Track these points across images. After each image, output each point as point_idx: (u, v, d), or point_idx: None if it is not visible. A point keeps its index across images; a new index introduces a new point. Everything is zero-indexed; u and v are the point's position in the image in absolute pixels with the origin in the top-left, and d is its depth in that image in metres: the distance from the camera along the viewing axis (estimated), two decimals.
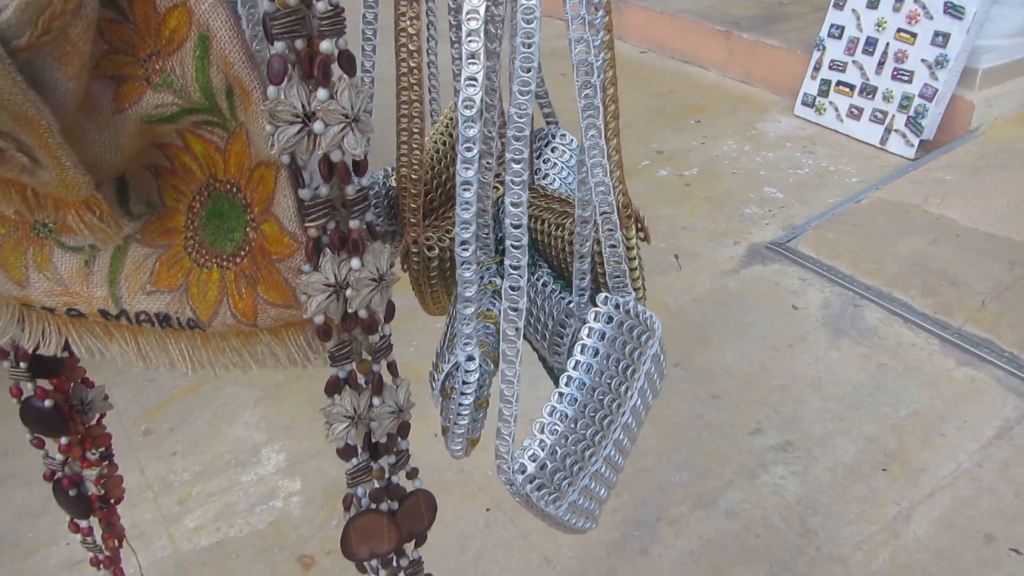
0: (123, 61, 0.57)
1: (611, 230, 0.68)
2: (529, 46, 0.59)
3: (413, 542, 0.80)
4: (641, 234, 0.77)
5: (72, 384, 0.91)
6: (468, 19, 0.60)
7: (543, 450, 0.67)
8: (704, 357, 2.33)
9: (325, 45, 0.54)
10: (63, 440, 0.90)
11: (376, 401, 0.69)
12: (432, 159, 0.92)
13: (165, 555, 1.90)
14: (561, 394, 0.69)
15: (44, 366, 0.86)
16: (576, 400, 0.69)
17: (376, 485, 0.73)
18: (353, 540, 0.74)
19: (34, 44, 0.50)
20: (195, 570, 1.86)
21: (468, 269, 0.66)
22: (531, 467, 0.67)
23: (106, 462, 0.97)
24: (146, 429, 2.27)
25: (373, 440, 0.70)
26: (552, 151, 0.96)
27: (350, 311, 0.63)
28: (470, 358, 0.71)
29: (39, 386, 0.86)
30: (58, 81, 0.53)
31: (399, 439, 0.73)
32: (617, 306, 0.71)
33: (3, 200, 0.63)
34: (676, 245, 2.83)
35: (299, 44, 0.54)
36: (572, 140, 0.96)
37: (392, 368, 0.70)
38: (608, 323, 0.71)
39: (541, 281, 0.80)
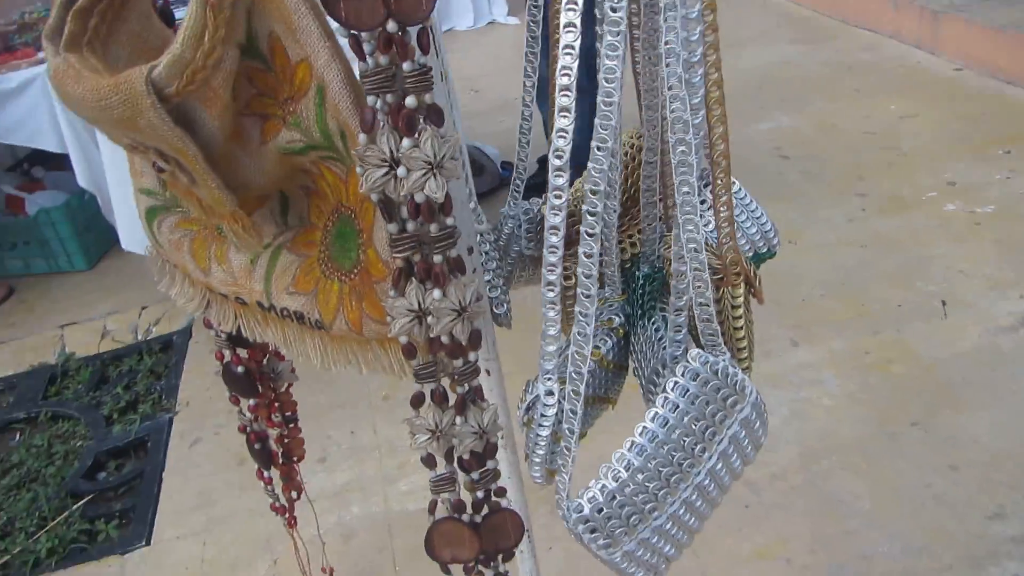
0: (267, 103, 0.68)
1: (701, 287, 0.67)
2: (611, 81, 0.60)
3: (501, 556, 0.85)
4: (752, 293, 0.74)
5: (266, 355, 1.08)
6: (564, 52, 0.63)
7: (602, 494, 0.68)
8: (950, 421, 2.07)
9: (409, 100, 0.60)
10: (252, 401, 1.06)
11: (459, 420, 0.74)
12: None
13: (377, 511, 2.12)
14: (633, 442, 0.69)
15: (241, 337, 1.03)
16: (645, 451, 0.69)
17: (458, 496, 0.78)
18: (436, 543, 0.80)
19: (181, 92, 0.62)
20: (399, 530, 2.06)
21: (552, 309, 0.69)
22: (587, 508, 0.68)
23: (291, 425, 1.14)
24: (386, 395, 2.54)
25: (456, 455, 0.76)
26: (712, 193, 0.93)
27: (431, 336, 0.69)
28: (549, 392, 0.74)
29: (236, 354, 1.03)
30: (204, 120, 0.65)
31: (485, 459, 0.78)
32: (706, 363, 0.69)
33: (189, 205, 0.78)
34: (946, 290, 2.53)
35: (390, 98, 0.61)
36: (738, 187, 0.93)
37: (477, 392, 0.74)
38: (694, 380, 0.69)
39: (655, 327, 0.80)
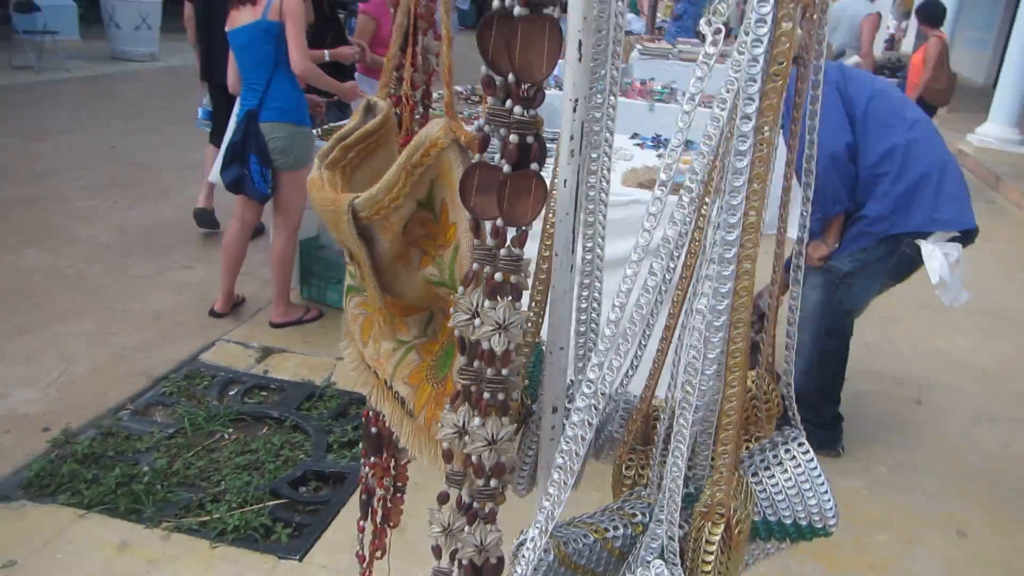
0: (428, 243, 0.93)
1: (671, 523, 0.77)
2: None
3: None
4: (726, 534, 0.80)
5: None
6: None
7: None
8: None
9: (498, 276, 0.81)
10: (372, 459, 1.30)
11: (467, 528, 0.90)
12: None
13: None
14: None
15: None
16: None
17: None
18: None
19: (368, 218, 0.89)
20: None
21: (556, 486, 0.83)
22: None
23: (397, 494, 1.35)
24: None
25: (458, 558, 0.91)
26: (786, 452, 0.99)
27: (466, 452, 0.87)
28: (533, 539, 0.86)
29: (378, 417, 1.28)
30: (378, 239, 0.91)
31: (481, 573, 0.92)
32: (660, 574, 0.78)
33: (368, 293, 1.05)
34: None
35: (488, 269, 0.82)
36: (809, 453, 0.99)
37: (491, 514, 0.90)
38: None
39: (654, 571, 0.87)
